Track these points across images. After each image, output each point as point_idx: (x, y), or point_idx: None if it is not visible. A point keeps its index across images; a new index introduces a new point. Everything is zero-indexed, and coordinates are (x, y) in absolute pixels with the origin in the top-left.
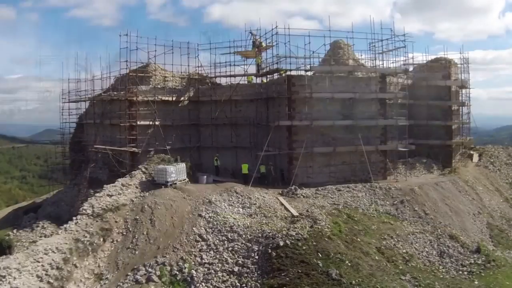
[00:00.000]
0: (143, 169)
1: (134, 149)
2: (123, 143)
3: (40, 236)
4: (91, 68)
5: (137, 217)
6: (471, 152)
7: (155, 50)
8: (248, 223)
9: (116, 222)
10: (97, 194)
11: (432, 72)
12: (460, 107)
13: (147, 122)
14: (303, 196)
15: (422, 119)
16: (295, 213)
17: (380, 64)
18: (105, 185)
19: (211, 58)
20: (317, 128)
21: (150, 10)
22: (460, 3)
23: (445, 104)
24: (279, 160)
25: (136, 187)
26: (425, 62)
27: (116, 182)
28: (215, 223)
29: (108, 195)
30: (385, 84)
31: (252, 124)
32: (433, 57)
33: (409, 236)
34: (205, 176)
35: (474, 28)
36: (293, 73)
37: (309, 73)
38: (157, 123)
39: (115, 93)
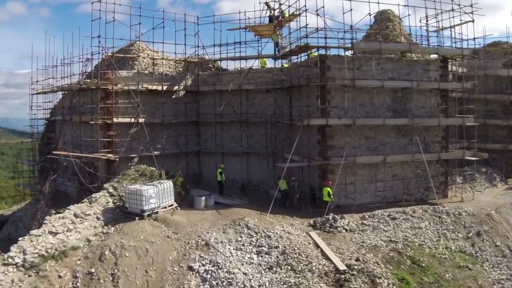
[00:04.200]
0: (111, 190)
1: (109, 155)
2: (96, 148)
3: None
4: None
5: (93, 270)
6: None
7: (140, 23)
8: (268, 284)
9: (59, 277)
10: (34, 232)
11: (490, 59)
12: None
13: (127, 119)
14: (346, 230)
15: (477, 117)
16: (341, 266)
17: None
18: (47, 218)
19: (215, 35)
20: (360, 129)
21: (161, 5)
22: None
23: (506, 99)
24: (307, 174)
25: (98, 218)
26: (480, 46)
27: (67, 210)
28: (214, 282)
29: (50, 232)
30: (446, 71)
31: (269, 122)
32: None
33: (494, 286)
34: (203, 198)
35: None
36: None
37: (348, 53)
38: (141, 120)
39: (87, 80)
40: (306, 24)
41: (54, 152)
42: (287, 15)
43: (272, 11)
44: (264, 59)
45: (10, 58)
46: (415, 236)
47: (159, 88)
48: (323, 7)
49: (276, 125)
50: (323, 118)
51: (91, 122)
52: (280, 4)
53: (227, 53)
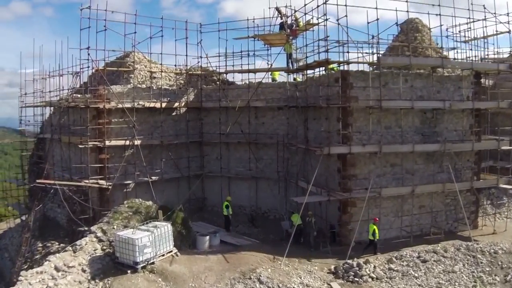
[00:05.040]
0: (99, 234)
1: (101, 182)
2: (87, 173)
3: None
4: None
5: None
6: None
7: (135, 32)
8: None
9: None
10: None
11: None
12: None
13: (122, 142)
14: (372, 278)
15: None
16: None
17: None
18: (22, 274)
19: (220, 44)
20: (386, 156)
21: (165, 5)
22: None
23: None
24: (325, 206)
25: (83, 271)
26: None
27: (46, 263)
28: None
29: None
30: (480, 87)
31: (281, 143)
32: None
33: None
34: (207, 238)
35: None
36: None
37: (371, 68)
38: (137, 142)
39: (77, 96)
40: (327, 36)
41: (38, 181)
42: (302, 23)
43: (283, 17)
44: (276, 72)
45: (13, 58)
46: (449, 283)
47: (158, 105)
48: (345, 16)
49: (289, 147)
50: (345, 145)
51: (80, 146)
52: (295, 11)
53: (233, 65)
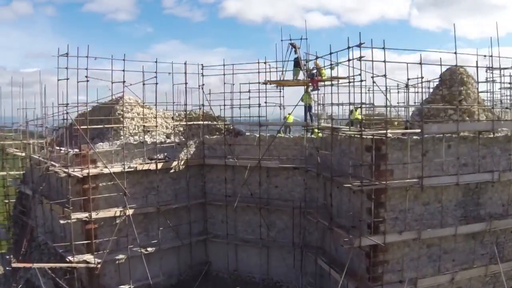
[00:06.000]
0: None
1: (88, 258)
2: (72, 250)
3: None
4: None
5: None
6: None
7: (124, 82)
8: None
9: None
10: None
11: None
12: None
13: (111, 212)
14: None
15: None
16: None
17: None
18: None
19: (225, 90)
20: (422, 241)
21: (166, 4)
22: None
23: None
24: None
25: None
26: None
27: None
28: None
29: None
30: None
31: (298, 208)
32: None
33: None
34: None
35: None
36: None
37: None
38: (129, 212)
39: (53, 166)
40: (362, 103)
41: (13, 265)
42: (326, 75)
43: (298, 51)
44: (291, 116)
45: (15, 57)
46: None
47: (153, 166)
48: (384, 76)
49: (306, 215)
50: (378, 235)
51: (62, 222)
52: (317, 58)
53: (240, 115)
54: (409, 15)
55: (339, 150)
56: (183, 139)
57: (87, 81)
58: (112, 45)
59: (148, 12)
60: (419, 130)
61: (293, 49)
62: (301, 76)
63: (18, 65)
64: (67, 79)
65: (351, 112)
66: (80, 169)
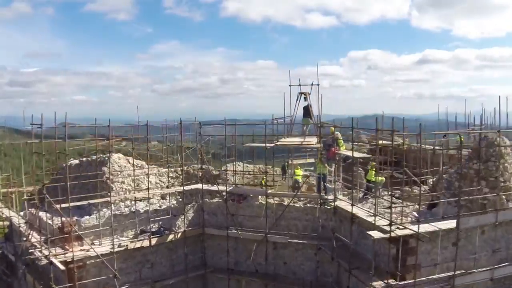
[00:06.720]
0: None
1: None
2: None
3: None
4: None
5: None
6: None
7: (110, 153)
8: None
9: None
10: None
11: None
12: None
13: None
14: None
15: None
16: None
17: None
18: None
19: (226, 151)
20: None
21: (167, 4)
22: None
23: None
24: None
25: None
26: None
27: None
28: None
29: None
30: None
31: (308, 285)
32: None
33: None
34: None
35: (492, 25)
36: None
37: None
38: None
39: (34, 250)
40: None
41: None
42: (344, 146)
43: (308, 98)
44: (300, 170)
45: (15, 57)
46: None
47: (146, 243)
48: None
49: None
50: None
51: None
52: (334, 126)
53: (243, 180)
54: (409, 15)
55: (358, 230)
56: (180, 200)
57: (66, 155)
58: (111, 45)
59: (148, 12)
60: (454, 225)
61: (303, 97)
62: (311, 126)
63: (18, 65)
64: (43, 154)
65: (366, 172)
66: (63, 253)
